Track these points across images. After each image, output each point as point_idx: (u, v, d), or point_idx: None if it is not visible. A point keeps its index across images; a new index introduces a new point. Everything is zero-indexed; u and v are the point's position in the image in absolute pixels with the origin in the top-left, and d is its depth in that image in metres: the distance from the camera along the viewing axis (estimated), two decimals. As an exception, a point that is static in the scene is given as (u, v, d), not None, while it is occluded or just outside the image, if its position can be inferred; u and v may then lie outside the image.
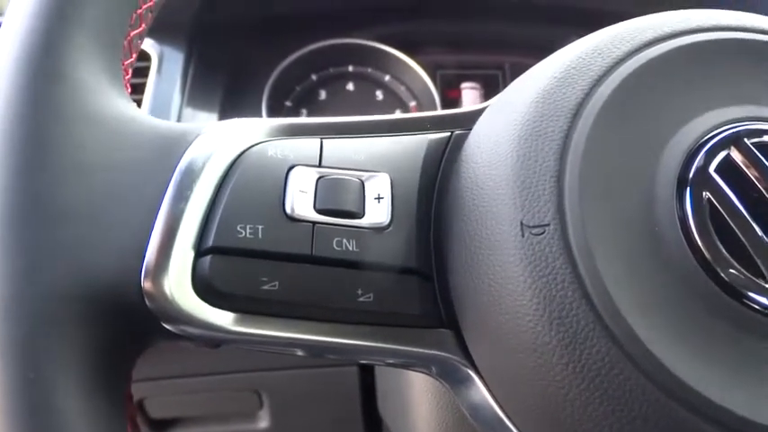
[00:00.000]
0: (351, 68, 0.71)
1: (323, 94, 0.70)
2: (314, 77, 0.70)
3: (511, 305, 0.20)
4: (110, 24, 0.24)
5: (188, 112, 0.60)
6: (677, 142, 0.21)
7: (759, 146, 0.20)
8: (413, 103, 0.70)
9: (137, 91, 0.58)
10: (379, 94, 0.71)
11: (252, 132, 0.24)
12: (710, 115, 0.21)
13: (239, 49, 0.67)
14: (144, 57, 0.59)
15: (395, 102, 0.70)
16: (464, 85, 0.72)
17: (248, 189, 0.22)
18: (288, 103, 0.69)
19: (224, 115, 0.64)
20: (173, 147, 0.23)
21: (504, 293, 0.20)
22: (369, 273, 0.22)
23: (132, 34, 0.25)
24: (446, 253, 0.23)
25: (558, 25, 0.74)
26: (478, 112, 0.26)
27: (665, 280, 0.19)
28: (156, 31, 0.60)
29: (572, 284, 0.19)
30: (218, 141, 0.23)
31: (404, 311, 0.22)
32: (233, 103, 0.65)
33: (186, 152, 0.22)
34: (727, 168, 0.20)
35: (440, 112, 0.26)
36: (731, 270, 0.19)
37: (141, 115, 0.23)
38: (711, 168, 0.20)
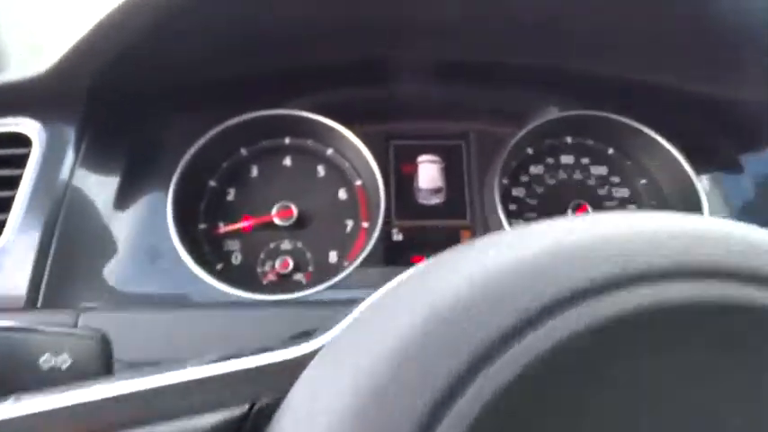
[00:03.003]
0: (288, 141, 0.61)
1: (254, 171, 0.60)
2: (244, 152, 0.60)
3: None
4: None
5: (81, 173, 0.51)
6: None
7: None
8: (358, 182, 0.60)
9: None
10: (321, 170, 0.61)
11: None
12: None
13: (151, 119, 0.57)
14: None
15: (338, 179, 0.60)
16: (421, 158, 0.61)
17: None
18: (212, 183, 0.59)
19: (126, 184, 0.54)
20: None
21: None
22: None
23: None
24: None
25: (531, 89, 0.64)
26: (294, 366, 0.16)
27: None
28: (43, 104, 0.51)
29: None
30: None
31: None
32: (139, 175, 0.55)
33: None
34: None
35: (242, 361, 0.16)
36: None
37: None
38: None
